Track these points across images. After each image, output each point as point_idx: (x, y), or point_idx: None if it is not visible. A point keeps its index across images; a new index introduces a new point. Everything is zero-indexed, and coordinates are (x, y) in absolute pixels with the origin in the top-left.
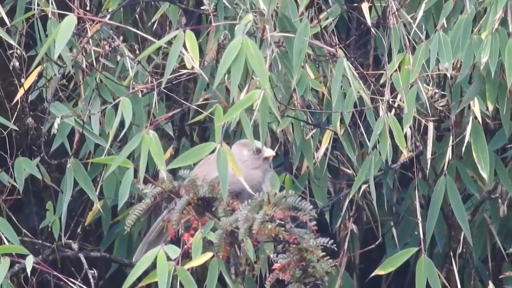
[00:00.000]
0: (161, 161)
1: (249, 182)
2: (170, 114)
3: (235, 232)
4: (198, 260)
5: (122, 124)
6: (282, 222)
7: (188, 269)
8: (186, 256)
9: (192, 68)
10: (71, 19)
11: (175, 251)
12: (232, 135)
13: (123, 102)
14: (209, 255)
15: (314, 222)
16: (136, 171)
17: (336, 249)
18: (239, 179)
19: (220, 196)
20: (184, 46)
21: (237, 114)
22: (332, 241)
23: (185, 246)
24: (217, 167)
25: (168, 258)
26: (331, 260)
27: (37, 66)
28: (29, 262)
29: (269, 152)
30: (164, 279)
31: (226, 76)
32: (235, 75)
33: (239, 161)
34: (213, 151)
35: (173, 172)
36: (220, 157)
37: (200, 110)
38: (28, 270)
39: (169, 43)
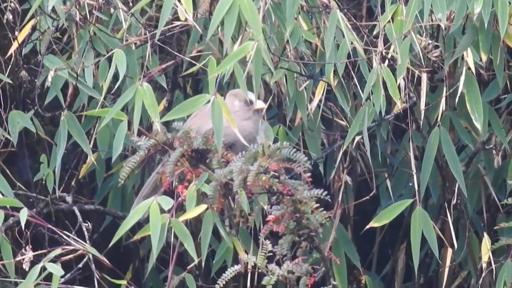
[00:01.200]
0: (155, 113)
1: (240, 133)
2: (163, 66)
3: (229, 184)
4: (192, 212)
5: (115, 76)
6: (276, 174)
7: (182, 222)
8: (180, 208)
9: (186, 20)
10: None
11: (168, 203)
12: (225, 87)
13: (116, 54)
14: (203, 207)
15: (309, 174)
16: (130, 124)
17: (330, 200)
18: (232, 130)
19: (214, 147)
20: None
21: (231, 65)
22: (326, 192)
23: (179, 198)
24: (212, 119)
25: (162, 210)
26: (325, 212)
27: (30, 19)
28: (23, 215)
29: (260, 104)
30: (157, 231)
31: (220, 28)
32: (228, 27)
33: (232, 112)
34: (207, 103)
35: (167, 125)
36: (215, 109)
37: (194, 62)
38: (22, 223)
39: None
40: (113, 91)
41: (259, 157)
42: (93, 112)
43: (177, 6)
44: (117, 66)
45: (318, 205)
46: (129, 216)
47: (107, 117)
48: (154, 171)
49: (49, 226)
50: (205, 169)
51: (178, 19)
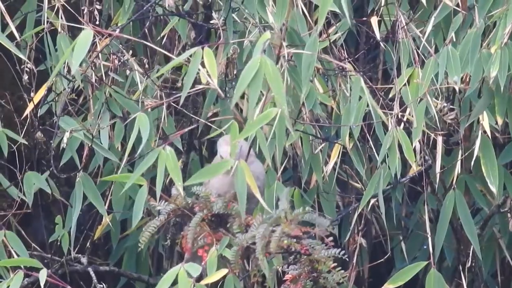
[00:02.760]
0: (178, 177)
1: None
2: (183, 131)
3: (250, 248)
4: (213, 276)
5: (128, 137)
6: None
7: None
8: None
9: (207, 83)
10: (87, 34)
11: (196, 270)
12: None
13: (139, 117)
14: (224, 271)
15: (331, 238)
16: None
17: (347, 260)
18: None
19: (235, 212)
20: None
21: (254, 132)
22: (344, 251)
23: (202, 263)
24: (236, 184)
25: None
26: (342, 271)
27: (46, 80)
28: (43, 275)
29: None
30: None
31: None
32: (253, 94)
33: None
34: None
35: (184, 188)
36: (239, 175)
37: (210, 124)
38: (42, 283)
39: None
40: (127, 153)
41: (281, 223)
42: (114, 177)
43: (199, 70)
44: (140, 129)
45: (335, 264)
46: (158, 284)
47: (128, 183)
48: (169, 233)
49: (68, 286)
50: (225, 233)
51: (195, 82)
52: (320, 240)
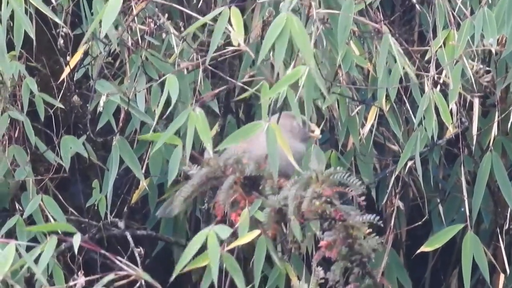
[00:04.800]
0: (208, 138)
1: (294, 154)
2: (216, 91)
3: (283, 210)
4: (245, 238)
5: (168, 101)
6: (330, 199)
7: (234, 248)
8: (233, 235)
9: (238, 45)
10: None
11: (226, 232)
12: (280, 111)
13: (169, 79)
14: (256, 233)
15: (363, 198)
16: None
17: (382, 226)
18: (280, 153)
19: (267, 174)
20: (229, 22)
21: (283, 90)
22: (378, 217)
23: (234, 226)
24: (267, 145)
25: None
26: (377, 237)
27: (82, 45)
28: (77, 240)
29: (317, 133)
30: (216, 263)
31: (272, 52)
32: (279, 52)
33: (288, 131)
34: None
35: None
36: (270, 135)
37: (246, 87)
38: (76, 249)
39: (214, 20)
40: (165, 116)
41: (313, 183)
42: (147, 137)
43: (229, 31)
44: (169, 91)
45: (370, 230)
46: (187, 248)
47: (159, 142)
48: (206, 196)
49: (102, 251)
50: (258, 196)
51: (229, 44)
52: (352, 200)
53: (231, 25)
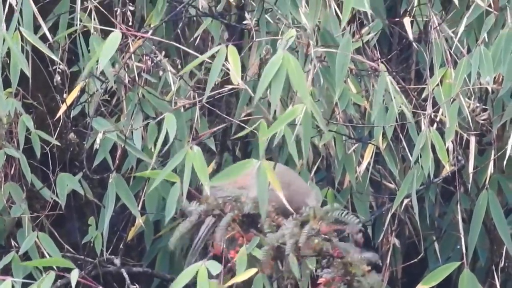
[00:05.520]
0: (205, 176)
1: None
2: (213, 130)
3: (281, 248)
4: (242, 275)
5: (165, 139)
6: (328, 236)
7: (232, 285)
8: (229, 272)
9: (237, 84)
10: (116, 35)
11: (216, 268)
12: (277, 151)
13: (167, 117)
14: (253, 270)
15: (360, 235)
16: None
17: (380, 263)
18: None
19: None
20: (227, 60)
21: (281, 128)
22: (377, 255)
23: (230, 263)
24: (257, 183)
25: (210, 275)
26: (377, 274)
27: (79, 82)
28: (74, 276)
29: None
30: None
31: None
32: (275, 91)
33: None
34: None
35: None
36: (261, 174)
37: (243, 125)
38: (73, 284)
39: (212, 57)
40: (161, 153)
41: (310, 220)
42: (144, 174)
43: (227, 69)
44: (167, 129)
45: (370, 268)
46: (176, 280)
47: (157, 179)
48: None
49: (100, 287)
50: (256, 234)
51: (227, 82)
52: (349, 237)
53: (228, 62)
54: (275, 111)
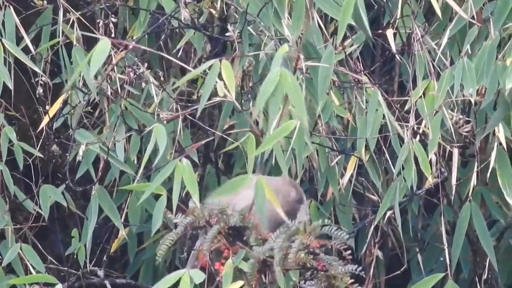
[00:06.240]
0: (194, 189)
1: (272, 217)
2: (200, 143)
3: (267, 261)
4: None
5: (144, 150)
6: (316, 251)
7: None
8: (216, 286)
9: (225, 96)
10: (105, 43)
11: (199, 277)
12: (262, 166)
13: (156, 128)
14: (239, 283)
15: (349, 252)
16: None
17: (364, 276)
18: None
19: (251, 225)
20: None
21: (271, 146)
22: (360, 268)
23: (217, 276)
24: (256, 199)
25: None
26: (361, 287)
27: (63, 94)
28: None
29: (307, 217)
30: None
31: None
32: (272, 108)
33: (284, 197)
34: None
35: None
36: (258, 190)
37: (226, 137)
38: None
39: (194, 67)
40: (143, 165)
41: (300, 235)
42: (131, 187)
43: (216, 82)
44: (157, 141)
45: (352, 280)
46: (157, 285)
47: (146, 192)
48: (186, 246)
49: None
50: (242, 246)
51: (211, 94)
52: (338, 253)
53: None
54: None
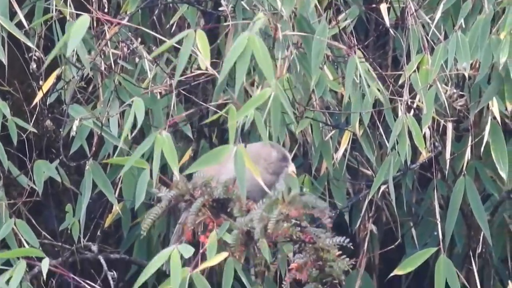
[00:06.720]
0: (174, 162)
1: (258, 186)
2: (185, 113)
3: (251, 232)
4: (213, 260)
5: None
6: (298, 221)
7: (205, 270)
8: (204, 258)
9: (206, 68)
10: (84, 19)
11: (189, 251)
12: (247, 136)
13: (136, 102)
14: (224, 255)
15: (330, 220)
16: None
17: (353, 248)
18: (249, 177)
19: (235, 196)
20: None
21: (250, 113)
22: (348, 240)
23: (202, 248)
24: (235, 169)
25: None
26: (348, 259)
27: (55, 68)
28: (45, 265)
29: (292, 169)
30: (178, 282)
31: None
32: (240, 71)
33: (265, 161)
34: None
35: (190, 173)
36: (238, 159)
37: (219, 111)
38: (44, 273)
39: None
40: (133, 139)
41: (279, 204)
42: (113, 160)
43: (196, 55)
44: (135, 114)
45: (340, 252)
46: (149, 264)
47: (126, 166)
48: (178, 220)
49: (72, 276)
50: (226, 218)
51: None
52: (323, 224)
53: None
54: (239, 92)
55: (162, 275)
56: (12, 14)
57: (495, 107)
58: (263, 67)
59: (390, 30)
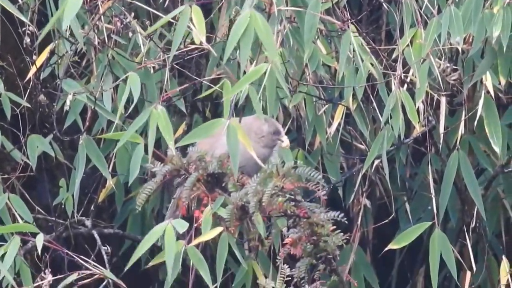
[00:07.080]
0: (169, 136)
1: (252, 160)
2: (179, 88)
3: (246, 207)
4: (207, 235)
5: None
6: (292, 194)
7: (199, 245)
8: (198, 233)
9: (201, 43)
10: None
11: (183, 226)
12: (241, 110)
13: (131, 77)
14: (219, 229)
15: (324, 192)
16: (147, 147)
17: (347, 222)
18: (243, 152)
19: (230, 171)
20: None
21: (245, 87)
22: (343, 214)
23: (197, 223)
24: (228, 142)
25: (178, 234)
26: (342, 234)
27: (48, 43)
28: (39, 240)
29: (286, 143)
30: (172, 256)
31: (238, 51)
32: (244, 50)
33: (257, 134)
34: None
35: (185, 148)
36: (230, 133)
37: (212, 86)
38: (39, 248)
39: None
40: (127, 114)
41: (274, 177)
42: (108, 135)
43: (191, 30)
44: (131, 89)
45: (335, 227)
46: (144, 239)
47: (121, 140)
48: (173, 195)
49: (66, 251)
50: (221, 193)
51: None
52: (317, 198)
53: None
54: (244, 71)
55: (156, 250)
56: None
57: (488, 81)
58: (266, 44)
59: (384, 4)
